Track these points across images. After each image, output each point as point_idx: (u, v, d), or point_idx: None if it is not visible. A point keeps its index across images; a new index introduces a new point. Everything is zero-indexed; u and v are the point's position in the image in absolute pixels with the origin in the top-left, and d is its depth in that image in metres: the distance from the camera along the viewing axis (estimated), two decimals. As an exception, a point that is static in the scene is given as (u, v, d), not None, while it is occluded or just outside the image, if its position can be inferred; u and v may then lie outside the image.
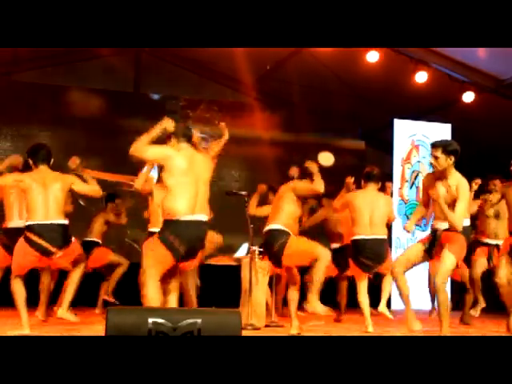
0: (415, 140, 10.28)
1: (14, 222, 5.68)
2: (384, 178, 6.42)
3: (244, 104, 10.37)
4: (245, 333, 3.50)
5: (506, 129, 9.06)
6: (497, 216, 6.89)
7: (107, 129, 9.45)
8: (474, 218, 6.53)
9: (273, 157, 9.64)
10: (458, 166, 4.97)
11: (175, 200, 4.34)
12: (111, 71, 9.67)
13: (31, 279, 5.33)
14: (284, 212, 5.45)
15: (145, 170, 5.91)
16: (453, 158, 4.87)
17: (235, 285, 6.35)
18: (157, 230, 5.77)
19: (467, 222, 5.07)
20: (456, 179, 4.90)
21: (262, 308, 6.09)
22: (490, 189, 6.66)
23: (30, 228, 4.89)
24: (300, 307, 5.64)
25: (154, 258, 4.38)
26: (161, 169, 6.08)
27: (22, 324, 4.88)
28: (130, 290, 6.73)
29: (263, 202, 6.83)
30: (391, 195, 6.61)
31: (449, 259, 4.89)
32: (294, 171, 5.70)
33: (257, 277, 6.05)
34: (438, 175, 5.00)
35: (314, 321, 6.60)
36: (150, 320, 2.84)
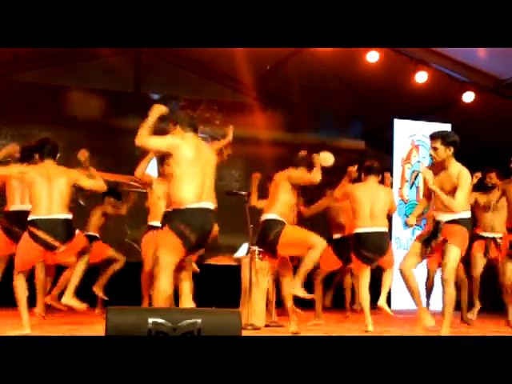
0: (415, 140, 10.28)
1: (16, 205, 5.76)
2: (383, 170, 6.41)
3: (244, 104, 10.37)
4: (245, 333, 3.50)
5: (506, 129, 9.05)
6: (493, 208, 6.89)
7: (107, 129, 9.46)
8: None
9: (273, 157, 9.63)
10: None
11: (182, 188, 4.37)
12: (111, 71, 9.67)
13: (30, 279, 5.33)
14: (279, 201, 5.50)
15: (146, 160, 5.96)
16: (452, 149, 4.90)
17: (235, 285, 6.35)
18: (156, 223, 5.84)
19: (468, 214, 5.08)
20: (457, 168, 4.93)
21: (262, 308, 6.09)
22: (486, 182, 6.70)
23: (33, 223, 4.88)
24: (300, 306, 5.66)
25: (167, 248, 4.39)
26: (161, 161, 6.11)
27: (23, 324, 4.87)
28: (129, 290, 6.78)
29: (265, 195, 6.83)
30: (391, 186, 6.62)
31: (453, 253, 4.90)
32: (302, 154, 5.79)
33: (257, 277, 6.05)
34: (437, 167, 5.02)
35: (314, 320, 6.60)
36: (150, 320, 2.84)
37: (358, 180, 6.23)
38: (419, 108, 9.93)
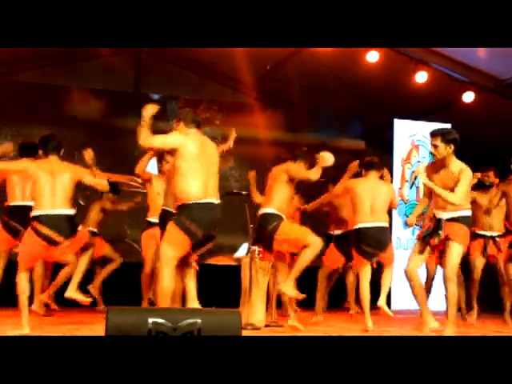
0: (415, 140, 10.27)
1: (17, 201, 5.80)
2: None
3: (244, 104, 10.36)
4: (245, 333, 3.50)
5: (506, 129, 9.05)
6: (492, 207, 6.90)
7: (107, 129, 9.44)
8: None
9: (273, 157, 9.62)
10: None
11: (188, 184, 4.40)
12: (111, 71, 9.67)
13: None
14: (277, 195, 5.54)
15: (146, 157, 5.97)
16: (452, 147, 4.92)
17: (235, 285, 6.35)
18: (155, 219, 5.86)
19: (468, 213, 5.09)
20: (458, 165, 4.96)
21: (262, 308, 6.09)
22: (484, 181, 6.72)
23: (36, 219, 4.88)
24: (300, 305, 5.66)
25: (171, 243, 4.40)
26: (160, 159, 6.12)
27: (22, 323, 4.86)
28: (129, 290, 6.78)
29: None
30: (391, 181, 6.64)
31: (455, 249, 4.92)
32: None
33: (257, 277, 6.05)
34: (438, 166, 5.02)
35: (314, 318, 6.61)
36: (150, 320, 2.84)
37: (358, 176, 6.24)
38: (419, 108, 9.93)
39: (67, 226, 4.96)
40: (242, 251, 9.37)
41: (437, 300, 7.31)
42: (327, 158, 5.57)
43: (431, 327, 5.14)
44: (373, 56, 8.42)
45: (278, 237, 5.43)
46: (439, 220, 5.00)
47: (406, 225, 5.58)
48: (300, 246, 5.41)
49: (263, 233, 5.53)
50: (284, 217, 5.54)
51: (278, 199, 5.55)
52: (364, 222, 5.87)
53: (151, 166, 6.31)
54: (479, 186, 6.70)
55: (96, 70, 9.71)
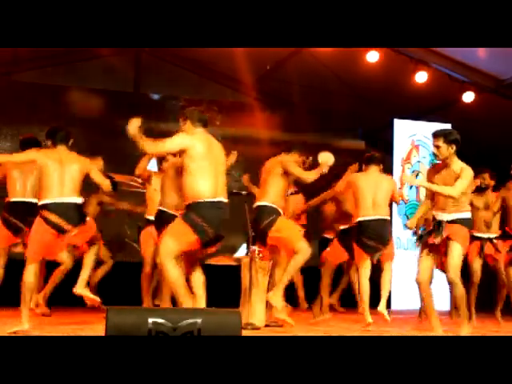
0: (415, 140, 10.27)
1: (17, 197, 5.76)
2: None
3: (244, 104, 10.36)
4: (245, 333, 3.50)
5: (506, 129, 9.05)
6: (486, 208, 6.90)
7: (107, 129, 9.43)
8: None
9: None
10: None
11: (197, 183, 4.41)
12: (111, 71, 9.66)
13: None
14: (272, 188, 5.57)
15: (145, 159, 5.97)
16: (454, 147, 4.97)
17: (235, 285, 6.35)
18: (153, 217, 5.87)
19: (468, 215, 5.10)
20: (459, 165, 5.00)
21: (262, 308, 6.09)
22: (480, 183, 6.74)
23: (45, 207, 4.86)
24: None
25: (174, 236, 4.40)
26: (160, 160, 6.13)
27: (22, 320, 4.79)
28: (129, 290, 6.78)
29: None
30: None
31: (456, 249, 4.94)
32: (308, 161, 5.82)
33: (257, 277, 6.05)
34: (439, 167, 5.06)
35: (321, 316, 6.61)
36: (150, 320, 2.84)
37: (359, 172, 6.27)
38: (419, 108, 9.93)
39: (75, 214, 4.93)
40: (241, 251, 9.37)
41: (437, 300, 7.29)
42: (327, 158, 5.57)
43: (438, 334, 5.15)
44: (373, 56, 8.42)
45: (273, 233, 5.45)
46: (440, 222, 5.00)
47: (407, 227, 5.58)
48: (289, 247, 5.43)
49: (258, 226, 5.53)
50: (281, 211, 5.54)
51: (273, 192, 5.56)
52: (365, 216, 5.88)
53: (151, 164, 6.32)
54: (476, 188, 6.72)
55: (96, 70, 9.71)
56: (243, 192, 6.51)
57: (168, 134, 4.67)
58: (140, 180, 6.48)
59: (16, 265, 5.31)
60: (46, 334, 4.80)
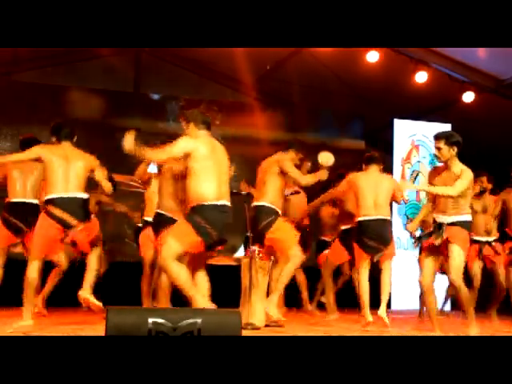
0: (415, 140, 10.27)
1: (17, 197, 5.75)
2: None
3: (244, 104, 10.36)
4: (245, 333, 3.50)
5: (506, 129, 9.06)
6: (484, 211, 6.90)
7: (107, 129, 9.43)
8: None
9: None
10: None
11: (201, 185, 4.41)
12: (111, 71, 9.67)
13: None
14: (269, 188, 5.57)
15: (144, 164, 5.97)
16: (455, 149, 4.99)
17: (235, 285, 6.35)
18: (151, 218, 5.87)
19: (469, 218, 5.10)
20: (460, 167, 5.02)
21: (262, 308, 6.09)
22: (477, 185, 6.75)
23: (50, 201, 4.84)
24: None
25: (179, 238, 4.38)
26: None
27: (24, 315, 4.77)
28: (129, 290, 6.77)
29: None
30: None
31: (457, 253, 4.95)
32: (306, 166, 5.81)
33: (257, 277, 6.04)
34: (441, 169, 5.10)
35: (328, 316, 6.61)
36: (150, 320, 2.84)
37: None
38: (419, 108, 9.93)
39: (81, 209, 4.91)
40: (242, 251, 9.37)
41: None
42: (327, 158, 5.57)
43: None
44: (373, 56, 8.42)
45: (270, 234, 5.46)
46: (441, 224, 5.01)
47: (407, 230, 5.58)
48: (282, 250, 5.44)
49: (256, 226, 5.53)
50: (279, 211, 5.53)
51: (271, 192, 5.56)
52: (366, 216, 5.88)
53: (151, 166, 6.31)
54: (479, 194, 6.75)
55: (96, 70, 9.71)
56: (243, 192, 6.51)
57: (168, 134, 4.67)
58: (140, 180, 6.48)
59: (16, 265, 5.31)
60: (46, 334, 4.80)
